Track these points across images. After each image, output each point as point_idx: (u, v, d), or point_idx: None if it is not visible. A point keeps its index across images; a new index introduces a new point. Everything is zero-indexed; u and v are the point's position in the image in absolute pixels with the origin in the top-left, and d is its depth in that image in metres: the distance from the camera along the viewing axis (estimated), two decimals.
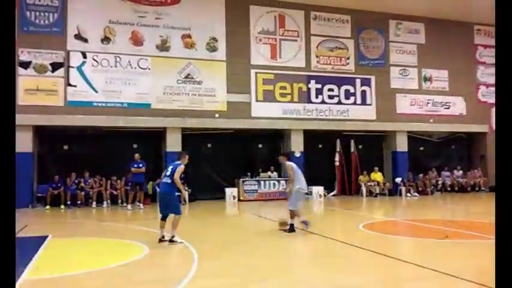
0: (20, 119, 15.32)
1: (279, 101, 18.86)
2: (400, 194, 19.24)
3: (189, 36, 17.97)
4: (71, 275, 5.88)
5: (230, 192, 17.21)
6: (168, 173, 8.25)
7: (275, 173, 18.70)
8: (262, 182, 17.94)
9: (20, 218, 12.76)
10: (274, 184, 18.05)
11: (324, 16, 20.03)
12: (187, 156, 8.69)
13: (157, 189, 12.48)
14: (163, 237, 8.07)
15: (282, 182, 18.08)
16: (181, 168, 8.19)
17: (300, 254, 7.87)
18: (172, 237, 7.93)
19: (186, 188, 15.63)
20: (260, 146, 19.60)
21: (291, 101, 19.04)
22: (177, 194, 8.60)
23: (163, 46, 17.64)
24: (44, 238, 8.62)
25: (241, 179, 17.76)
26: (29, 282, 5.46)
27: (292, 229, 9.14)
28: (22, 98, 15.79)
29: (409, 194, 19.24)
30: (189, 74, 17.81)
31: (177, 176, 8.06)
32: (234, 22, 18.49)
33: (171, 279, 5.61)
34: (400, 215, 13.73)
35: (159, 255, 7.28)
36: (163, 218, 8.18)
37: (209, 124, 17.82)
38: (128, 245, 8.12)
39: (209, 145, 18.71)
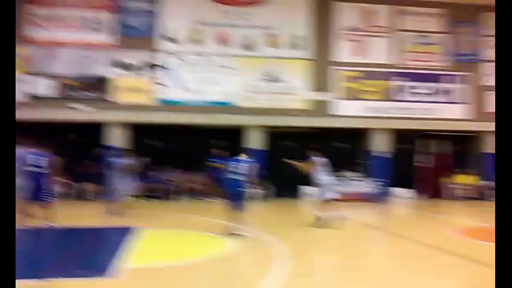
0: (115, 115, 16.64)
1: (364, 99, 18.40)
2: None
3: (273, 35, 18.12)
4: (167, 266, 6.23)
5: (309, 191, 17.08)
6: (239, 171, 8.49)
7: (357, 173, 18.27)
8: (343, 182, 17.57)
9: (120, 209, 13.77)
10: (354, 184, 17.63)
11: (414, 10, 19.13)
12: None
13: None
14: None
15: (363, 182, 17.65)
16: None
17: (387, 256, 7.64)
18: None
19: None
20: (342, 145, 19.24)
21: (377, 99, 18.47)
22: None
23: (248, 45, 17.97)
24: (136, 229, 9.21)
25: None
26: (130, 271, 5.85)
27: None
28: (118, 97, 17.01)
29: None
30: (272, 73, 17.99)
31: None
32: (318, 19, 18.33)
33: (260, 275, 5.72)
34: (492, 220, 12.73)
35: (247, 251, 7.45)
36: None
37: (291, 122, 17.85)
38: (216, 239, 8.42)
39: (291, 143, 18.74)
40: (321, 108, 18.05)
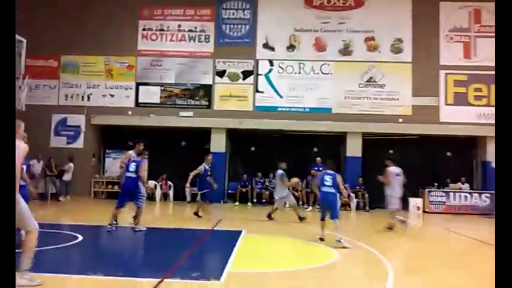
0: (215, 122, 17.12)
1: (472, 105, 16.99)
2: None
3: (373, 38, 17.50)
4: (266, 272, 6.12)
5: (414, 202, 16.09)
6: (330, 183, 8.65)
7: (466, 185, 16.87)
8: (451, 194, 16.31)
9: (214, 212, 14.12)
10: (465, 197, 16.25)
11: None
12: None
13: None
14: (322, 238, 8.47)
15: (475, 195, 16.23)
16: None
17: None
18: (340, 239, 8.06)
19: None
20: (449, 154, 17.88)
21: (488, 104, 16.95)
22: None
23: (346, 50, 17.55)
24: (239, 232, 9.25)
25: (427, 189, 16.44)
26: (232, 274, 5.82)
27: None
28: (217, 104, 17.51)
29: None
30: (371, 78, 17.35)
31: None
32: (421, 20, 17.35)
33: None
34: None
35: (350, 263, 7.10)
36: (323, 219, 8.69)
37: (391, 129, 17.01)
38: (316, 248, 8.15)
39: (391, 151, 17.84)
40: (425, 114, 16.96)
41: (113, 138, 18.00)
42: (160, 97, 17.68)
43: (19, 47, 10.08)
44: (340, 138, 17.65)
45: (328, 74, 17.47)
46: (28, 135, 6.03)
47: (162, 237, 9.24)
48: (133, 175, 9.15)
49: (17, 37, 9.98)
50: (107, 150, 18.00)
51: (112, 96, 17.74)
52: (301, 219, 11.70)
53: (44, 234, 8.93)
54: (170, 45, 17.89)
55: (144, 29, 18.02)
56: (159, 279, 5.24)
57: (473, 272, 6.66)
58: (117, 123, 17.40)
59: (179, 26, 17.97)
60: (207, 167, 11.54)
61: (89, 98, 17.72)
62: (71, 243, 7.70)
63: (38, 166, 15.71)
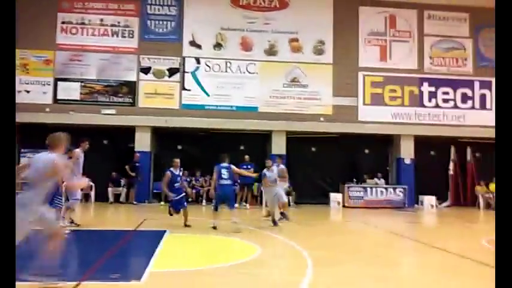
0: (140, 120, 16.74)
1: (388, 105, 18.12)
2: None
3: (297, 40, 18.03)
4: (189, 271, 6.14)
5: (334, 197, 16.88)
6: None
7: (382, 180, 17.99)
8: (368, 189, 17.31)
9: (138, 212, 13.83)
10: (381, 192, 17.32)
11: (439, 15, 18.84)
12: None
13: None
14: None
15: (390, 189, 17.35)
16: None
17: (421, 266, 7.39)
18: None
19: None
20: (367, 151, 18.97)
21: (402, 104, 18.18)
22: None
23: (271, 50, 17.92)
24: (163, 232, 9.15)
25: (346, 185, 17.32)
26: (154, 274, 5.78)
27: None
28: (142, 101, 17.11)
29: None
30: (295, 78, 17.88)
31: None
32: (342, 24, 18.17)
33: (290, 284, 5.59)
34: None
35: (271, 257, 7.32)
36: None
37: (314, 127, 17.67)
38: (239, 244, 8.31)
39: (313, 149, 18.57)
40: (344, 113, 17.81)
41: (29, 136, 16.91)
42: (81, 93, 16.92)
43: None
44: (265, 137, 18.03)
45: (254, 73, 17.73)
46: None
47: (83, 239, 8.90)
48: None
49: None
50: (23, 150, 16.89)
51: (28, 92, 16.68)
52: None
53: None
54: (92, 39, 17.18)
55: (63, 22, 17.14)
56: (76, 282, 5.08)
57: (386, 261, 7.16)
58: (34, 121, 16.38)
59: (101, 20, 17.32)
60: (175, 172, 10.58)
61: None
62: None
63: None
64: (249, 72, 17.68)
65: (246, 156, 16.31)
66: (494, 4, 4.31)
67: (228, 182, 9.95)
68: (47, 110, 16.55)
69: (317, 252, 7.49)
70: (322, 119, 17.69)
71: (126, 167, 16.27)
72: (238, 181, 16.28)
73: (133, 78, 17.18)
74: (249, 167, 15.97)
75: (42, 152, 5.02)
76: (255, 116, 17.43)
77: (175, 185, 10.36)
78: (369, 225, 12.47)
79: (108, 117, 16.72)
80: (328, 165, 18.40)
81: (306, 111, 17.76)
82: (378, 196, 17.23)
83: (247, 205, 15.87)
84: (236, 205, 15.62)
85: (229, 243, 8.59)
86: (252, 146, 18.17)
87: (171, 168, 10.49)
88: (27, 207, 4.37)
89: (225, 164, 10.14)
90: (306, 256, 7.10)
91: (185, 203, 10.40)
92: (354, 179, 17.73)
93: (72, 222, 9.79)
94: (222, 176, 9.90)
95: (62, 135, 5.29)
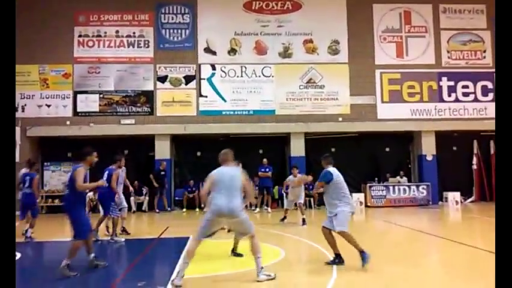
0: (159, 128, 16.90)
1: (407, 101, 17.88)
2: None
3: (311, 41, 17.96)
4: (214, 276, 6.14)
5: (357, 197, 16.68)
6: None
7: (405, 178, 17.73)
8: (391, 188, 17.08)
9: (161, 220, 13.92)
10: (404, 190, 17.07)
11: (455, 8, 18.54)
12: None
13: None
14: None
15: (413, 187, 17.10)
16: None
17: (449, 264, 7.24)
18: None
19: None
20: (387, 149, 18.72)
21: (421, 100, 17.91)
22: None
23: (286, 53, 17.90)
24: (186, 239, 9.18)
25: (368, 184, 17.13)
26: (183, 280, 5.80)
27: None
28: (160, 110, 17.27)
29: None
30: (311, 79, 17.80)
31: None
32: (356, 23, 18.04)
33: (316, 285, 5.54)
34: None
35: (294, 260, 7.27)
36: None
37: (332, 128, 17.55)
38: (264, 248, 8.26)
39: (333, 149, 18.38)
40: (363, 112, 17.64)
41: (51, 149, 17.26)
42: (100, 105, 17.17)
43: None
44: (284, 139, 17.99)
45: (269, 76, 17.73)
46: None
47: (108, 248, 9.00)
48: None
49: None
50: (46, 163, 17.22)
51: (48, 106, 17.01)
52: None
53: None
54: (108, 51, 17.44)
55: (80, 36, 17.45)
56: None
57: (412, 260, 7.04)
58: (55, 134, 16.72)
59: (117, 31, 17.56)
60: None
61: (23, 109, 16.87)
62: None
63: None
64: (265, 76, 17.69)
65: (264, 160, 16.34)
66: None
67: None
68: (68, 123, 16.83)
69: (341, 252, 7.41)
70: (340, 119, 17.56)
71: (151, 176, 16.40)
72: (258, 185, 16.33)
73: (150, 87, 17.37)
74: (267, 170, 16.04)
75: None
76: (272, 119, 17.42)
77: None
78: (391, 224, 12.29)
79: (128, 127, 16.94)
80: (348, 165, 18.08)
81: (323, 111, 17.65)
82: (400, 194, 16.98)
83: (269, 208, 15.83)
84: (257, 209, 15.81)
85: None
86: (271, 149, 18.14)
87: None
88: None
89: None
90: (329, 256, 7.03)
91: None
92: (376, 178, 17.52)
93: (124, 230, 10.10)
94: None
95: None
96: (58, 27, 17.16)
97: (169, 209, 16.59)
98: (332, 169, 6.92)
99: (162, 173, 16.42)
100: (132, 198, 16.66)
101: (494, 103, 18.00)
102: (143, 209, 16.67)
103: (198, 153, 18.03)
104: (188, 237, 9.29)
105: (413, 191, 17.03)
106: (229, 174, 5.94)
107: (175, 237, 10.09)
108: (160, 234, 10.41)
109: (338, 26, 18.03)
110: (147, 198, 16.75)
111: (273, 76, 17.71)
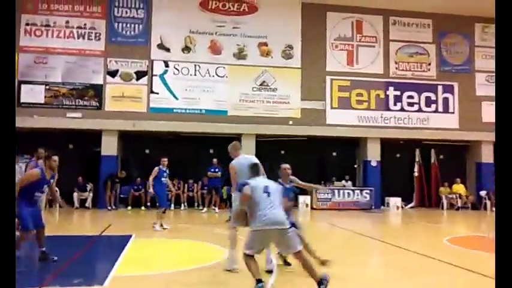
0: (106, 123, 16.48)
1: (355, 108, 18.45)
2: (485, 208, 17.96)
3: (265, 44, 18.15)
4: (153, 275, 6.11)
5: (303, 200, 17.04)
6: None
7: (349, 182, 18.30)
8: (336, 191, 17.58)
9: (104, 218, 13.60)
10: (348, 194, 17.62)
11: (404, 21, 19.34)
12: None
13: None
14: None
15: (357, 191, 17.67)
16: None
17: (384, 266, 7.57)
18: None
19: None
20: (334, 154, 19.27)
21: (368, 108, 18.54)
22: None
23: (240, 54, 17.98)
24: (128, 237, 9.05)
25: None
26: (117, 279, 5.73)
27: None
28: (108, 104, 16.85)
29: (494, 209, 17.91)
30: (264, 82, 17.99)
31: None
32: (310, 29, 18.41)
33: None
34: (487, 230, 12.78)
35: (239, 258, 7.33)
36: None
37: (283, 131, 17.82)
38: (208, 248, 8.29)
39: (282, 152, 18.69)
40: (313, 117, 18.04)
41: None
42: (45, 97, 16.50)
43: None
44: (235, 140, 18.00)
45: (223, 77, 17.74)
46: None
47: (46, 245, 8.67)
48: None
49: None
50: None
51: None
52: None
53: None
54: (57, 41, 16.81)
55: (27, 24, 16.71)
56: None
57: (350, 261, 7.29)
58: None
59: (67, 22, 16.97)
60: (163, 169, 11.16)
61: None
62: None
63: None
64: (218, 76, 17.69)
65: (214, 160, 16.32)
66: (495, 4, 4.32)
67: None
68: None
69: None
70: (291, 122, 17.85)
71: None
72: (207, 184, 16.35)
73: (99, 81, 16.90)
74: (216, 170, 16.03)
75: None
76: (224, 119, 17.44)
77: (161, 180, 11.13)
78: (334, 227, 12.66)
79: (74, 120, 16.39)
80: (297, 167, 18.39)
81: (275, 114, 17.88)
82: (345, 198, 17.51)
83: (216, 208, 15.83)
84: (205, 209, 15.80)
85: (195, 246, 8.57)
86: (221, 149, 18.05)
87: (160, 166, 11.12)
88: None
89: None
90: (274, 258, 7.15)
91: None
92: (322, 181, 17.97)
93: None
94: None
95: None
96: None
97: (114, 207, 16.19)
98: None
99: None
100: (75, 194, 16.17)
101: (436, 114, 18.97)
102: (86, 205, 16.20)
103: (147, 151, 17.75)
104: (130, 236, 9.18)
105: (357, 195, 17.60)
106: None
107: (117, 234, 9.90)
108: (103, 232, 10.17)
109: (292, 31, 18.32)
110: (91, 194, 16.30)
111: (226, 77, 17.73)
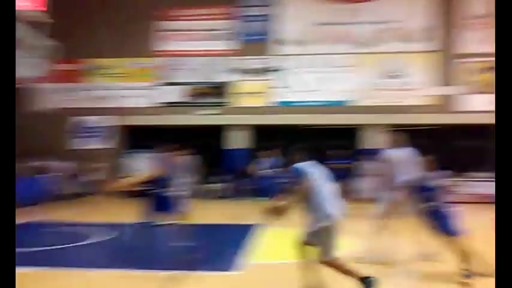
0: (237, 119, 17.30)
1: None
2: None
3: (393, 29, 17.32)
4: (286, 263, 6.22)
5: None
6: None
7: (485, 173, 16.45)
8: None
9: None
10: (484, 185, 15.82)
11: None
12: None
13: None
14: None
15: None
16: None
17: None
18: None
19: None
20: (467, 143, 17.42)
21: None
22: None
23: (367, 42, 17.41)
24: (259, 226, 9.31)
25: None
26: (252, 266, 5.99)
27: None
28: (239, 101, 17.71)
29: None
30: (392, 69, 17.20)
31: None
32: (444, 9, 17.07)
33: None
34: None
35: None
36: None
37: (414, 120, 16.73)
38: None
39: (417, 142, 17.52)
40: (446, 103, 16.76)
41: (136, 138, 18.30)
42: (180, 96, 17.98)
43: (46, 52, 10.37)
44: (358, 131, 17.51)
45: (349, 66, 17.43)
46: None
47: (190, 232, 9.35)
48: None
49: (45, 42, 10.20)
50: (131, 150, 18.30)
51: (134, 97, 18.10)
52: None
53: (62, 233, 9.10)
54: (189, 44, 18.12)
55: (163, 30, 18.26)
56: (176, 272, 5.52)
57: None
58: (140, 123, 17.74)
59: (197, 25, 18.17)
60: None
61: (112, 99, 18.12)
62: (87, 242, 8.13)
63: (66, 167, 16.13)
64: (344, 66, 17.43)
65: (333, 152, 16.05)
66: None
67: None
68: (148, 113, 17.77)
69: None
70: (421, 110, 16.79)
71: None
72: None
73: (227, 79, 17.82)
74: (339, 162, 15.73)
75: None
76: (350, 109, 17.14)
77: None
78: None
79: (208, 117, 17.55)
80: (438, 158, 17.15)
81: (405, 102, 16.98)
82: (478, 189, 15.70)
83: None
84: None
85: None
86: (346, 141, 17.77)
87: None
88: None
89: None
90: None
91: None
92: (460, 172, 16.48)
93: None
94: None
95: None
96: (143, 23, 18.11)
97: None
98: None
99: None
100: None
101: None
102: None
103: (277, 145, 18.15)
104: (262, 225, 9.42)
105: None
106: None
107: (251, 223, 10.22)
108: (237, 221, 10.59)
109: (424, 14, 17.20)
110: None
111: (352, 66, 17.39)
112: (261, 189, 11.66)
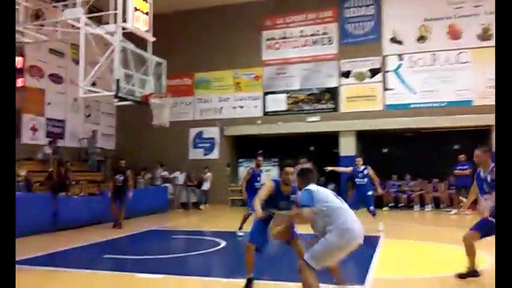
0: (343, 125, 16.74)
1: None
2: None
3: None
4: (410, 278, 5.68)
5: None
6: None
7: None
8: None
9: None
10: None
11: None
12: None
13: None
14: None
15: None
16: None
17: None
18: None
19: None
20: None
21: None
22: None
23: (485, 35, 15.81)
24: (377, 238, 8.79)
25: None
26: (377, 281, 5.51)
27: None
28: (344, 106, 17.12)
29: None
30: None
31: None
32: None
33: None
34: None
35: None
36: None
37: None
38: (459, 252, 7.33)
39: None
40: None
41: (244, 147, 18.69)
42: (287, 104, 17.90)
43: (159, 68, 11.09)
44: (483, 133, 15.86)
45: (465, 63, 15.94)
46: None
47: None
48: None
49: (157, 59, 10.99)
50: (239, 160, 18.74)
51: (241, 107, 18.48)
52: None
53: (189, 240, 9.55)
54: (294, 51, 18.04)
55: (267, 39, 18.45)
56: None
57: None
58: (248, 133, 18.05)
59: (301, 31, 18.03)
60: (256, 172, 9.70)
61: (221, 111, 18.71)
62: (215, 248, 8.13)
63: (180, 177, 17.13)
64: (460, 63, 15.96)
65: (461, 156, 14.59)
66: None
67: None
68: (258, 122, 17.99)
69: None
70: None
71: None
72: (454, 184, 14.77)
73: (334, 84, 17.36)
74: (465, 166, 14.29)
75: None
76: (469, 110, 15.58)
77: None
78: None
79: (313, 124, 17.22)
80: None
81: None
82: None
83: (467, 211, 14.11)
84: (453, 210, 14.25)
85: (449, 251, 7.69)
86: (469, 143, 16.17)
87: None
88: None
89: None
90: None
91: None
92: None
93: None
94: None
95: None
96: (247, 34, 18.46)
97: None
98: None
99: None
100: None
101: None
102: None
103: (384, 150, 17.28)
104: (378, 237, 8.89)
105: None
106: None
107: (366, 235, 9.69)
108: None
109: None
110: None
111: (470, 62, 15.85)
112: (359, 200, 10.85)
